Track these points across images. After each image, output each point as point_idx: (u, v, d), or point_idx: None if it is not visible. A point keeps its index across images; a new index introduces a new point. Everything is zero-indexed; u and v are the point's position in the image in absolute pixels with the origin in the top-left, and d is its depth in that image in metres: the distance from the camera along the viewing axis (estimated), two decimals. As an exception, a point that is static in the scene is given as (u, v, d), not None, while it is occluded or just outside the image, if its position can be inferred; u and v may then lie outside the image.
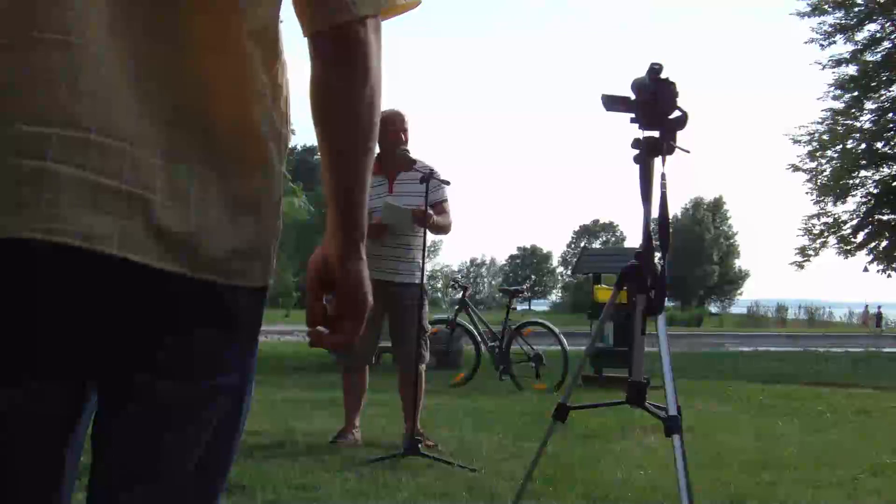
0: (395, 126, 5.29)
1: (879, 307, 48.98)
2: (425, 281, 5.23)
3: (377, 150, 5.69)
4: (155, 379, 1.15)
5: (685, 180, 71.54)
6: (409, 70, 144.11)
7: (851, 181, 24.83)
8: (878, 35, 23.95)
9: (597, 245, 76.34)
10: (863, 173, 24.90)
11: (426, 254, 5.22)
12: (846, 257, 25.49)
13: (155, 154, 1.11)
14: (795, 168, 25.24)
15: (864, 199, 25.10)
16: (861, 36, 24.21)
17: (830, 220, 25.52)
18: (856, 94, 24.40)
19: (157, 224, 1.10)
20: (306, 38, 1.22)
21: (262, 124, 1.19)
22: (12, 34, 1.07)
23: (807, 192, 25.48)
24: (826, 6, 24.13)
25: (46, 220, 1.05)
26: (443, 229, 5.34)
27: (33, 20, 1.08)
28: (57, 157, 1.06)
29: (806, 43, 24.78)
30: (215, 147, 1.15)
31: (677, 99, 3.20)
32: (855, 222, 25.24)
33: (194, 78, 1.14)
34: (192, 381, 1.17)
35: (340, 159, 1.25)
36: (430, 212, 5.08)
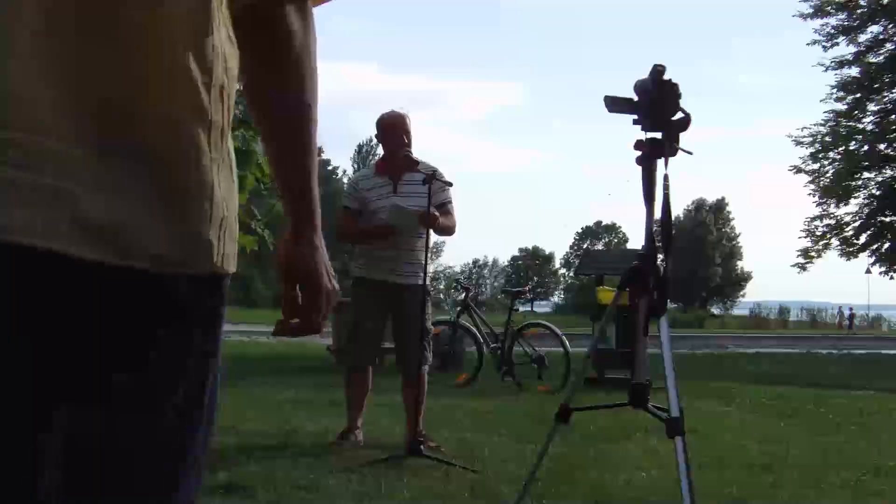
0: (397, 128, 5.30)
1: (851, 309, 49.17)
2: (428, 282, 5.24)
3: (382, 150, 5.69)
4: (91, 374, 1.09)
5: (688, 182, 71.55)
6: (410, 70, 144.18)
7: (854, 183, 24.84)
8: (881, 37, 23.96)
9: (599, 247, 76.34)
10: (865, 175, 24.91)
11: (429, 255, 5.22)
12: (848, 259, 25.51)
13: (80, 147, 1.07)
14: (798, 170, 25.27)
15: (866, 201, 25.10)
16: (864, 38, 24.22)
17: (833, 221, 25.55)
18: (858, 95, 24.41)
19: (84, 216, 1.06)
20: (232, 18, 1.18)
21: (191, 114, 1.14)
22: None
23: (809, 194, 25.52)
24: (829, 8, 24.15)
25: None
26: (447, 231, 5.35)
27: None
28: None
29: (809, 44, 24.79)
30: (143, 138, 1.11)
31: (680, 100, 3.21)
32: (857, 224, 25.26)
33: (118, 69, 1.10)
34: (130, 373, 1.10)
35: (283, 152, 1.25)
36: (437, 213, 5.08)
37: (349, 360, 5.48)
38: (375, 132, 5.44)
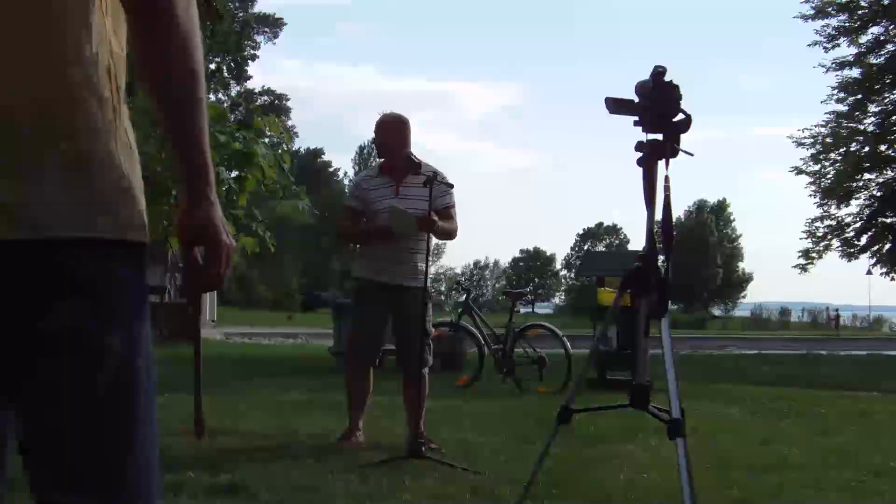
0: (397, 130, 5.30)
1: (837, 310, 49.05)
2: (429, 284, 5.24)
3: (378, 151, 5.65)
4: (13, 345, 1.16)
5: (688, 183, 71.43)
6: (410, 72, 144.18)
7: (855, 184, 24.83)
8: (882, 38, 23.95)
9: (600, 248, 76.29)
10: (866, 176, 24.89)
11: (430, 256, 5.22)
12: (849, 260, 25.48)
13: None
14: (799, 171, 25.24)
15: (867, 202, 25.09)
16: (865, 39, 24.20)
17: (834, 222, 25.52)
18: (859, 97, 24.40)
19: None
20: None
21: (83, 91, 1.20)
22: None
23: (810, 195, 25.49)
24: (830, 9, 24.13)
25: None
26: (448, 235, 5.34)
27: None
28: None
29: (810, 46, 24.77)
30: (37, 114, 1.17)
31: (681, 102, 3.21)
32: (858, 225, 25.23)
33: (17, 54, 1.17)
34: (40, 338, 1.17)
35: (173, 114, 1.29)
36: (436, 217, 5.07)
37: (350, 360, 5.48)
38: (374, 136, 5.45)
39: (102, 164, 1.22)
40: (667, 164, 3.19)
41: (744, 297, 69.06)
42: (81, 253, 1.18)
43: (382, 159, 5.49)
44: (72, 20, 1.21)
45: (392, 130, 5.32)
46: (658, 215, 3.24)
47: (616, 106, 3.26)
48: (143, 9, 1.24)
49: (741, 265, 68.37)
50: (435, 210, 5.05)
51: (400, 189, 5.27)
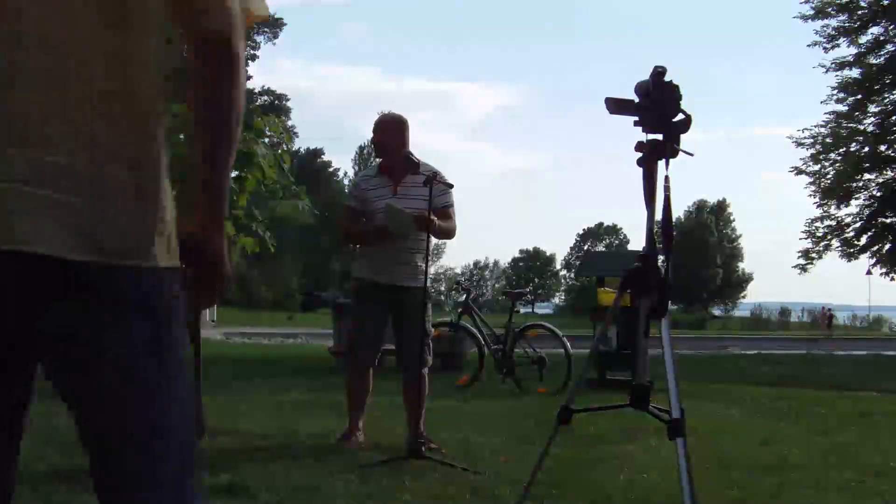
0: (396, 130, 5.30)
1: (830, 309, 48.85)
2: (429, 284, 5.23)
3: (382, 154, 5.69)
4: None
5: (688, 183, 71.47)
6: (410, 72, 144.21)
7: (855, 184, 24.84)
8: (882, 38, 23.95)
9: (600, 248, 76.27)
10: (866, 176, 24.90)
11: (430, 257, 5.22)
12: (849, 260, 25.49)
13: (73, 158, 1.30)
14: (799, 171, 25.26)
15: (867, 202, 25.09)
16: (864, 39, 24.20)
17: (833, 223, 25.54)
18: (859, 97, 24.40)
19: (73, 223, 1.29)
20: (188, 45, 1.43)
21: (153, 127, 1.39)
22: None
23: (810, 195, 25.50)
24: (829, 9, 24.14)
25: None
26: (447, 234, 5.34)
27: None
28: None
29: (809, 46, 24.78)
30: (125, 150, 1.34)
31: (681, 102, 3.21)
32: (858, 225, 25.24)
33: (108, 88, 1.33)
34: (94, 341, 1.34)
35: (215, 152, 1.45)
36: (433, 216, 5.07)
37: (350, 361, 5.48)
38: (373, 136, 5.45)
39: (157, 197, 1.38)
40: (667, 164, 3.19)
41: (744, 297, 69.10)
42: (141, 276, 1.36)
43: (381, 159, 5.49)
44: (148, 61, 1.38)
45: (391, 130, 5.32)
46: (658, 215, 3.24)
47: (616, 106, 3.26)
48: (214, 55, 1.42)
49: (741, 265, 68.41)
50: (434, 209, 5.05)
51: (398, 189, 5.27)
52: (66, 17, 1.30)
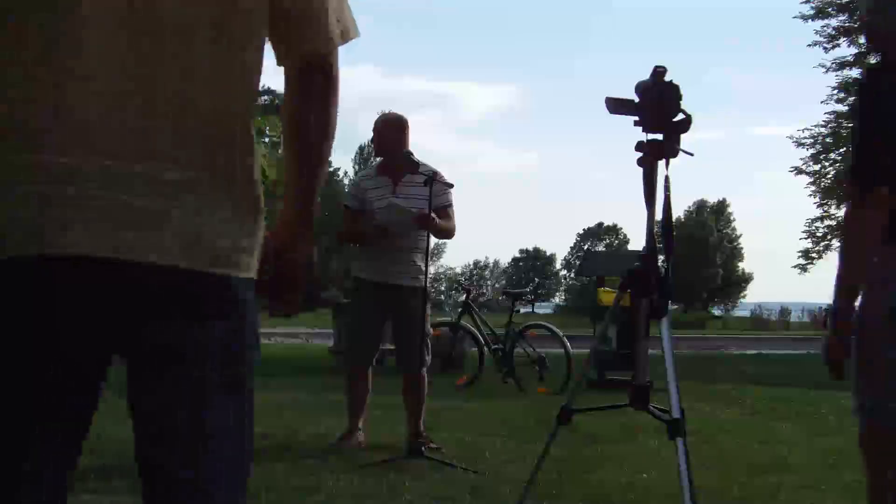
0: (395, 130, 5.31)
1: (825, 309, 48.44)
2: (428, 284, 5.24)
3: (376, 151, 5.68)
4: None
5: (689, 183, 71.45)
6: (410, 72, 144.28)
7: (855, 184, 24.78)
8: (882, 38, 23.92)
9: (600, 248, 76.27)
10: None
11: (429, 257, 5.22)
12: (850, 260, 25.43)
13: (181, 172, 1.36)
14: (799, 171, 25.25)
15: (867, 202, 25.04)
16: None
17: (834, 222, 25.50)
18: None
19: (181, 233, 1.35)
20: (286, 64, 1.51)
21: (250, 143, 1.45)
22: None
23: (810, 195, 25.50)
24: (829, 9, 24.14)
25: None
26: (447, 233, 5.34)
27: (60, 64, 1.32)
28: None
29: (810, 46, 24.77)
30: (228, 163, 1.41)
31: (681, 102, 3.21)
32: (858, 225, 25.18)
33: (211, 102, 1.40)
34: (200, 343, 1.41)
35: (308, 168, 1.54)
36: (433, 215, 5.08)
37: (348, 361, 5.48)
38: (372, 136, 5.45)
39: (251, 209, 1.45)
40: (667, 164, 3.20)
41: (744, 297, 69.04)
42: (233, 285, 1.42)
43: (380, 159, 5.50)
44: (240, 83, 1.45)
45: (390, 130, 5.33)
46: (658, 215, 3.24)
47: (616, 106, 3.26)
48: (315, 77, 1.51)
49: (741, 265, 68.36)
50: (434, 209, 5.07)
51: (398, 189, 5.27)
52: (168, 29, 1.35)
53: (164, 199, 1.34)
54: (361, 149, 64.49)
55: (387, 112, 5.51)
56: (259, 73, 1.47)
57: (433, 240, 5.28)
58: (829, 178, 24.89)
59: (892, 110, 2.51)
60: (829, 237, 25.59)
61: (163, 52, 1.35)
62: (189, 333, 1.38)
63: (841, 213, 24.70)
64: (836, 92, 24.47)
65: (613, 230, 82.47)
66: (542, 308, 76.31)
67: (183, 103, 1.37)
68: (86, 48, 1.31)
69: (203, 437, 1.41)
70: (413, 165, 5.16)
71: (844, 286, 2.68)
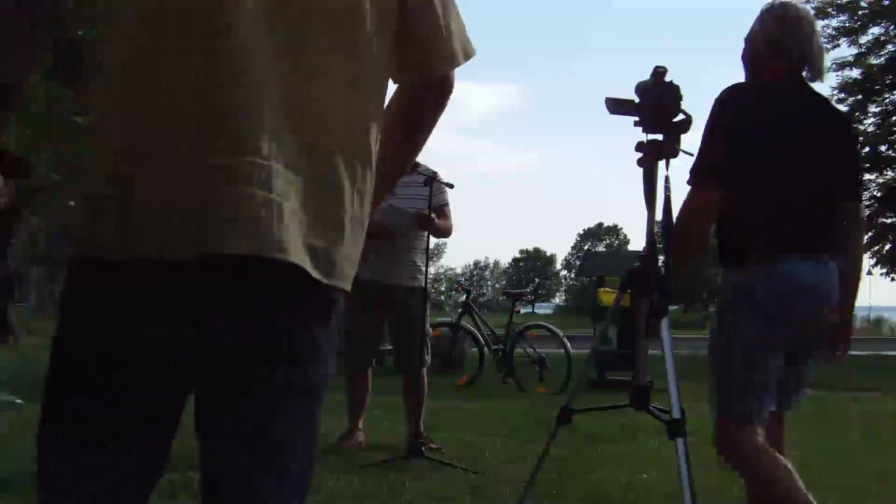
0: None
1: None
2: (428, 284, 5.24)
3: None
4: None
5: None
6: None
7: (855, 184, 24.80)
8: (883, 38, 23.96)
9: (600, 248, 76.25)
10: (866, 176, 24.87)
11: (429, 257, 5.22)
12: (850, 261, 25.45)
13: (306, 179, 1.37)
14: (799, 171, 25.22)
15: (867, 203, 25.08)
16: (865, 39, 24.21)
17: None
18: (860, 97, 24.41)
19: (309, 240, 1.38)
20: (410, 80, 1.55)
21: (362, 156, 1.47)
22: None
23: (811, 196, 25.47)
24: (830, 10, 24.15)
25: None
26: (444, 233, 5.36)
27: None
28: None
29: (810, 46, 24.76)
30: (339, 175, 1.41)
31: (681, 102, 3.21)
32: (859, 226, 25.20)
33: (330, 113, 1.40)
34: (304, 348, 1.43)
35: (403, 165, 1.68)
36: (433, 216, 5.10)
37: (347, 362, 5.48)
38: None
39: (360, 226, 1.54)
40: (667, 164, 3.19)
41: (744, 297, 68.98)
42: (332, 293, 1.49)
43: None
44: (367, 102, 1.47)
45: None
46: (658, 215, 3.24)
47: (616, 106, 3.26)
48: (436, 95, 1.58)
49: (741, 265, 68.33)
50: (432, 209, 5.09)
51: (395, 189, 5.27)
52: (302, 39, 1.34)
53: (290, 202, 1.34)
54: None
55: None
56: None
57: (433, 240, 5.29)
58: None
59: (736, 125, 2.96)
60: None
61: (292, 60, 1.35)
62: (287, 337, 1.38)
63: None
64: (836, 92, 24.48)
65: (613, 230, 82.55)
66: (543, 308, 76.34)
67: (312, 108, 1.37)
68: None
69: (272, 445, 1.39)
70: (413, 165, 5.17)
71: (680, 256, 3.19)
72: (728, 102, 3.01)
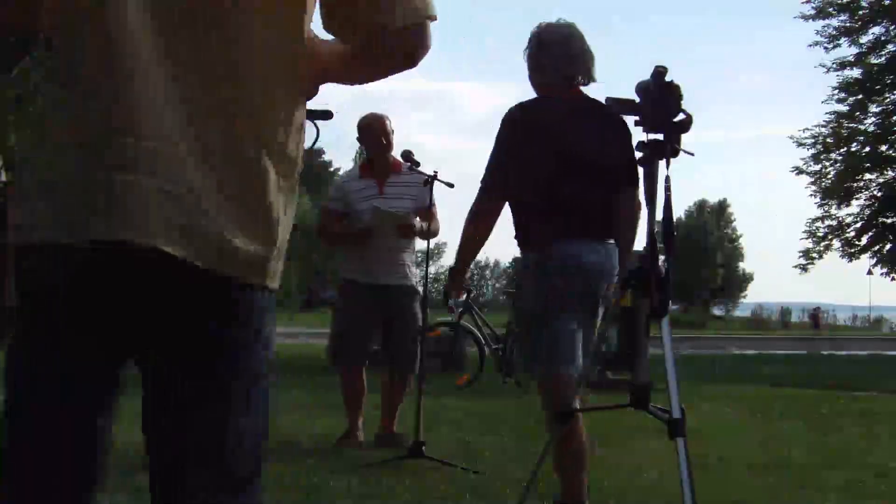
0: (378, 130, 5.31)
1: (818, 308, 48.01)
2: (428, 283, 5.25)
3: (366, 152, 5.75)
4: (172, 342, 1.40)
5: (689, 183, 71.48)
6: (409, 71, 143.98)
7: (855, 184, 24.83)
8: (883, 38, 23.96)
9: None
10: (867, 176, 24.89)
11: (430, 256, 5.23)
12: (850, 260, 25.48)
13: (197, 161, 1.33)
14: (799, 171, 25.25)
15: (868, 202, 25.08)
16: (865, 39, 24.21)
17: (834, 223, 25.52)
18: (860, 97, 24.40)
19: (194, 224, 1.33)
20: (372, 32, 1.43)
21: (271, 147, 1.43)
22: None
23: (811, 195, 25.50)
24: (830, 9, 24.14)
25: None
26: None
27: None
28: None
29: (810, 46, 24.78)
30: (242, 165, 1.38)
31: (681, 102, 3.21)
32: (859, 225, 25.23)
33: (233, 104, 1.37)
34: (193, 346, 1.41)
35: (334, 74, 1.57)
36: (417, 221, 5.12)
37: (338, 363, 5.47)
38: (357, 135, 5.46)
39: (274, 220, 1.44)
40: (667, 163, 3.19)
41: (744, 297, 68.99)
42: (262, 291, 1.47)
43: (363, 160, 5.56)
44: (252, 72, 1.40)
45: (370, 130, 5.34)
46: (659, 215, 3.24)
47: (617, 106, 3.26)
48: (415, 51, 1.48)
49: (741, 265, 68.30)
50: (419, 209, 5.11)
51: (384, 189, 5.28)
52: (179, 24, 1.33)
53: (168, 186, 1.33)
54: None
55: (372, 112, 5.47)
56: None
57: (432, 240, 5.32)
58: (830, 178, 24.89)
59: (519, 138, 3.53)
60: (829, 237, 25.58)
61: (171, 42, 1.34)
62: (188, 330, 1.39)
63: (842, 213, 24.75)
64: (836, 92, 24.49)
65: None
66: (543, 308, 76.08)
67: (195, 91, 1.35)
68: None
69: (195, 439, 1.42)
70: (413, 163, 5.17)
71: (462, 259, 3.89)
72: (511, 119, 3.56)
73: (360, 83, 1.60)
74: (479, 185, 3.63)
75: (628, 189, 3.62)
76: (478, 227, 3.70)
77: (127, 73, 1.29)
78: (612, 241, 3.59)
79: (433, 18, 1.44)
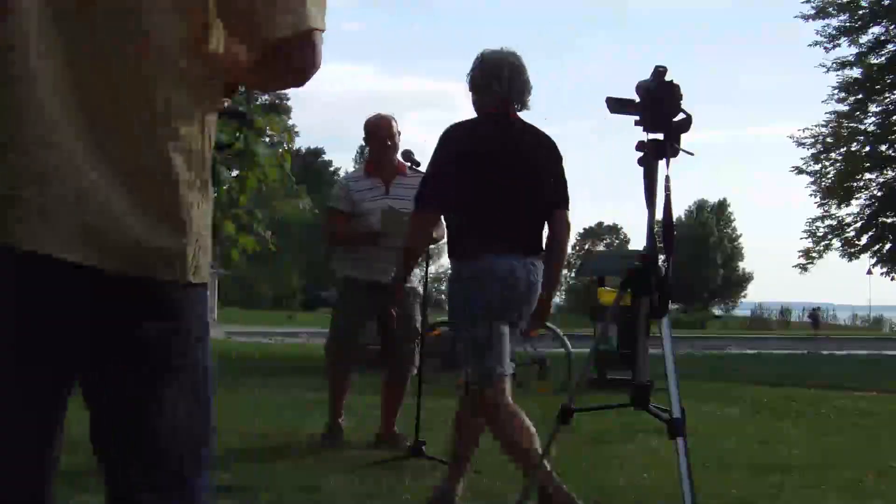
0: (385, 131, 5.30)
1: (817, 308, 47.81)
2: (428, 283, 5.24)
3: (370, 152, 5.75)
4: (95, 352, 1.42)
5: (689, 183, 71.56)
6: (409, 71, 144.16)
7: (855, 184, 24.85)
8: (883, 38, 23.98)
9: (600, 248, 76.19)
10: (867, 176, 24.92)
11: (430, 256, 5.22)
12: (850, 260, 25.51)
13: (89, 165, 1.33)
14: (799, 171, 25.28)
15: (868, 202, 25.11)
16: (865, 39, 24.24)
17: (834, 222, 25.56)
18: (860, 96, 24.43)
19: (88, 227, 1.34)
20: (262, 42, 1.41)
21: (175, 145, 1.42)
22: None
23: (811, 195, 25.54)
24: (830, 9, 24.15)
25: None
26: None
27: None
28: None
29: (810, 46, 24.79)
30: (138, 163, 1.38)
31: (681, 101, 3.20)
32: (859, 225, 25.26)
33: (124, 96, 1.37)
34: (121, 352, 1.42)
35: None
36: None
37: (333, 359, 5.48)
38: (363, 135, 5.45)
39: (184, 213, 1.43)
40: (667, 163, 3.19)
41: (744, 296, 69.02)
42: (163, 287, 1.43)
43: (368, 161, 5.55)
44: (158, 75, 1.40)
45: (377, 130, 5.33)
46: (659, 215, 3.23)
47: (617, 105, 3.26)
48: (306, 63, 1.45)
49: (741, 265, 68.32)
50: None
51: (390, 189, 5.28)
52: (82, 21, 1.34)
53: (67, 191, 1.34)
54: (361, 148, 64.51)
55: (379, 113, 5.48)
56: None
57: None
58: (830, 177, 24.90)
59: (455, 157, 3.69)
60: (829, 237, 25.60)
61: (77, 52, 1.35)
62: (118, 332, 1.40)
63: (842, 212, 24.77)
64: (836, 92, 24.52)
65: (613, 230, 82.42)
66: (543, 308, 76.04)
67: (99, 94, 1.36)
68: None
69: (130, 438, 1.46)
70: (414, 163, 5.17)
71: (404, 265, 4.28)
72: (447, 139, 3.73)
73: (266, 91, 1.65)
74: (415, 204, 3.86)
75: (556, 212, 3.86)
76: (415, 236, 4.05)
77: (16, 78, 1.31)
78: (539, 259, 3.79)
79: (319, 30, 1.40)
